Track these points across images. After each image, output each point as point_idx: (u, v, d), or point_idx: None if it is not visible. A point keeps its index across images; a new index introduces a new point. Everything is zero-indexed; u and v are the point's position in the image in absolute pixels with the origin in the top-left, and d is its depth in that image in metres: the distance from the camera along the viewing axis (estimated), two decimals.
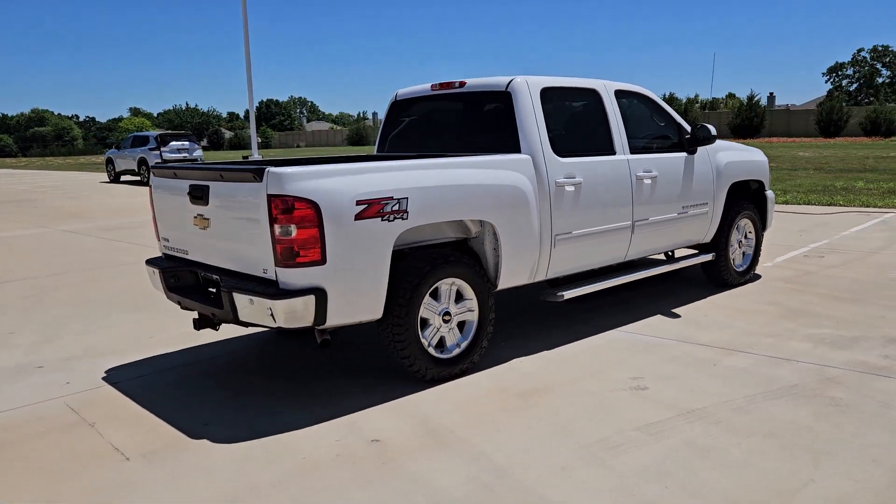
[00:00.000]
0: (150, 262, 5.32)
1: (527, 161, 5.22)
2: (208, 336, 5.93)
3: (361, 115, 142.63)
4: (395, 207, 4.41)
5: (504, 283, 5.21)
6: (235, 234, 4.45)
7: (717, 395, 4.45)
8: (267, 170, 4.12)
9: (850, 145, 39.64)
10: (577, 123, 6.00)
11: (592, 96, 5.97)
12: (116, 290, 7.82)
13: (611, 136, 5.95)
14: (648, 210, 6.18)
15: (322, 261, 4.15)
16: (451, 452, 3.78)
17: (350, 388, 4.78)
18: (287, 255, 4.10)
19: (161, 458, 3.82)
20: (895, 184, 16.86)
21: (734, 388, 4.55)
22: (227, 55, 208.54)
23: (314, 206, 4.09)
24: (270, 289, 4.20)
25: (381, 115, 6.94)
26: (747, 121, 56.71)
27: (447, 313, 4.84)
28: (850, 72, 78.46)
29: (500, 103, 5.51)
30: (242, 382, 4.96)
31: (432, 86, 6.07)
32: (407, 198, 4.47)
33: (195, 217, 4.74)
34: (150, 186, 5.32)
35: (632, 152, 6.04)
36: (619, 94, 6.17)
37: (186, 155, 26.55)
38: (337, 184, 4.22)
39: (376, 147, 6.57)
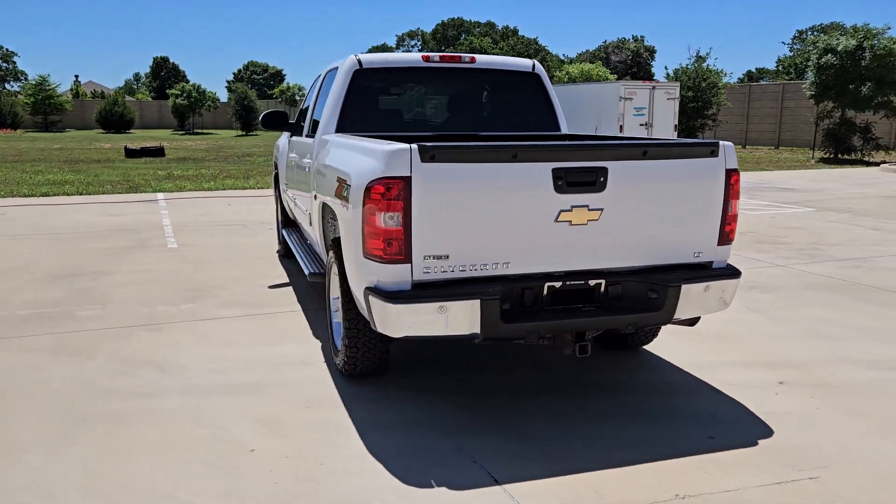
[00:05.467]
0: (408, 297, 3.47)
1: None
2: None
3: None
4: None
5: None
6: (655, 222, 3.81)
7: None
8: (722, 144, 3.90)
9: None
10: None
11: None
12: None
13: None
14: None
15: None
16: None
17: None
18: (729, 232, 4.03)
19: None
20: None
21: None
22: None
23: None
24: (710, 271, 3.98)
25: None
26: None
27: None
28: None
29: (530, 84, 5.67)
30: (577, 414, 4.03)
31: (424, 56, 5.43)
32: None
33: (564, 211, 3.63)
34: (411, 179, 3.42)
35: None
36: None
37: None
38: None
39: (335, 124, 5.20)
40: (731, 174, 3.91)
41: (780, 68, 64.93)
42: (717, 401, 4.17)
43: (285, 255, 7.90)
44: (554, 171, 3.56)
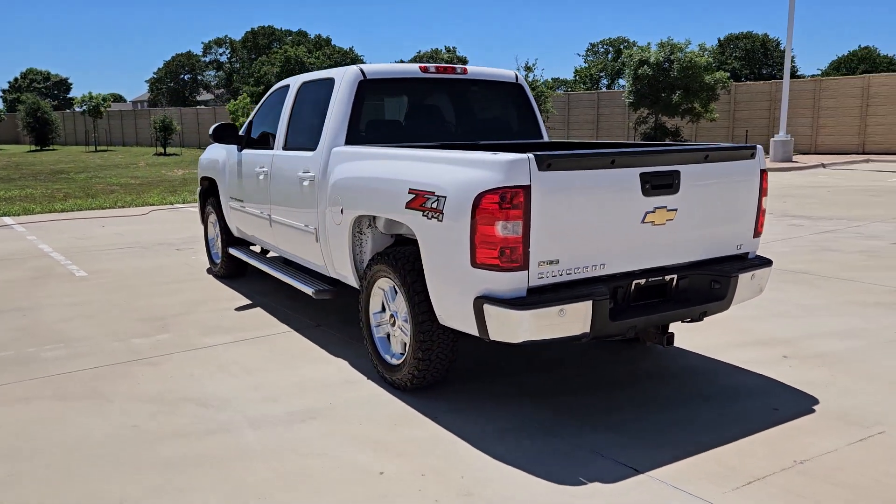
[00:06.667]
0: (532, 303, 3.57)
1: None
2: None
3: None
4: None
5: None
6: (711, 219, 4.19)
7: None
8: (758, 147, 4.38)
9: None
10: None
11: None
12: None
13: None
14: None
15: None
16: None
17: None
18: (760, 225, 4.52)
19: None
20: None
21: None
22: None
23: None
24: (752, 261, 4.44)
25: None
26: None
27: None
28: None
29: (514, 94, 5.90)
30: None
31: (422, 67, 5.48)
32: None
33: (650, 213, 3.91)
34: (530, 188, 3.51)
35: None
36: None
37: None
38: None
39: (345, 136, 5.08)
40: (763, 173, 4.39)
41: (577, 78, 70.39)
42: (747, 377, 4.62)
43: (226, 275, 7.46)
44: (641, 175, 3.81)
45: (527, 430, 3.88)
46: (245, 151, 6.57)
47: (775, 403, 4.20)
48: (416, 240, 4.48)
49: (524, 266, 3.54)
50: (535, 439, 3.76)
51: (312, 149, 5.23)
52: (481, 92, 5.79)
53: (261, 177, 6.07)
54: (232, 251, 7.08)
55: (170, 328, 5.78)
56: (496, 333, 3.62)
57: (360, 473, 3.41)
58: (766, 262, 4.43)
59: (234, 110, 38.29)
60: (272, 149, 5.99)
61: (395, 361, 4.43)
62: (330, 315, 6.07)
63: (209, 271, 7.86)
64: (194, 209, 13.67)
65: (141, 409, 4.19)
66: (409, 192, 4.01)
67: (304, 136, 5.61)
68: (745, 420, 3.97)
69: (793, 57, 65.13)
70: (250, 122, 6.71)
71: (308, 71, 60.35)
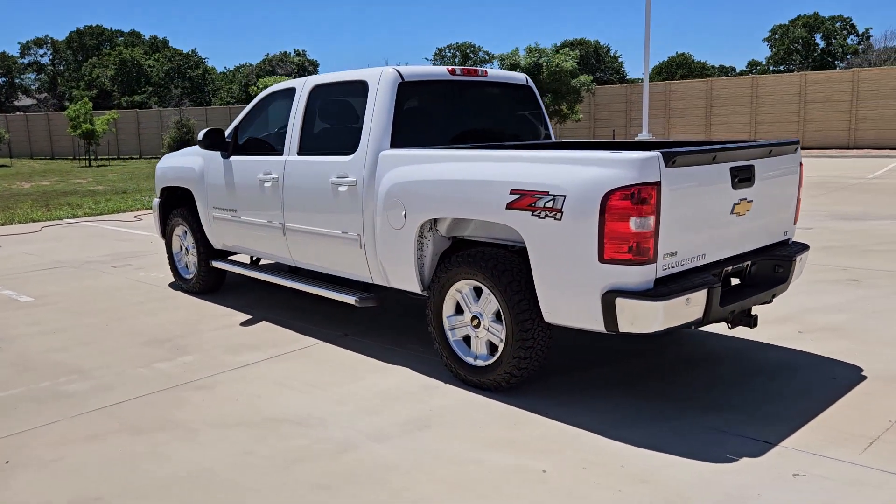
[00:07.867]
0: (665, 294, 3.75)
1: None
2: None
3: None
4: None
5: None
6: (771, 208, 4.56)
7: None
8: (798, 141, 4.82)
9: None
10: None
11: None
12: None
13: None
14: None
15: None
16: None
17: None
18: (798, 213, 4.97)
19: None
20: None
21: None
22: None
23: None
24: (796, 246, 4.88)
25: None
26: None
27: None
28: None
29: (525, 95, 6.06)
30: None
31: (450, 69, 5.50)
32: None
33: (736, 204, 4.22)
34: (660, 184, 3.68)
35: None
36: None
37: None
38: None
39: (390, 139, 5.00)
40: (800, 166, 4.84)
41: None
42: (786, 353, 5.04)
43: (203, 290, 7.00)
44: (731, 169, 4.09)
45: (640, 416, 4.04)
46: (236, 158, 6.22)
47: (830, 373, 4.62)
48: (481, 241, 4.54)
49: (653, 259, 3.70)
50: (657, 424, 3.92)
51: (348, 153, 5.09)
52: (498, 94, 5.87)
53: (267, 184, 5.79)
54: (219, 265, 6.67)
55: (188, 350, 5.38)
56: (627, 325, 3.74)
57: (525, 474, 3.41)
58: (805, 247, 4.87)
59: (74, 116, 35.45)
60: (281, 154, 5.74)
61: (480, 363, 4.43)
62: (349, 324, 5.91)
63: (176, 287, 7.34)
64: (91, 224, 12.65)
65: (238, 434, 3.91)
66: (512, 193, 4.03)
67: (331, 140, 5.44)
68: (817, 390, 4.35)
69: (622, 63, 70.17)
70: (235, 129, 6.36)
71: (148, 74, 56.05)
